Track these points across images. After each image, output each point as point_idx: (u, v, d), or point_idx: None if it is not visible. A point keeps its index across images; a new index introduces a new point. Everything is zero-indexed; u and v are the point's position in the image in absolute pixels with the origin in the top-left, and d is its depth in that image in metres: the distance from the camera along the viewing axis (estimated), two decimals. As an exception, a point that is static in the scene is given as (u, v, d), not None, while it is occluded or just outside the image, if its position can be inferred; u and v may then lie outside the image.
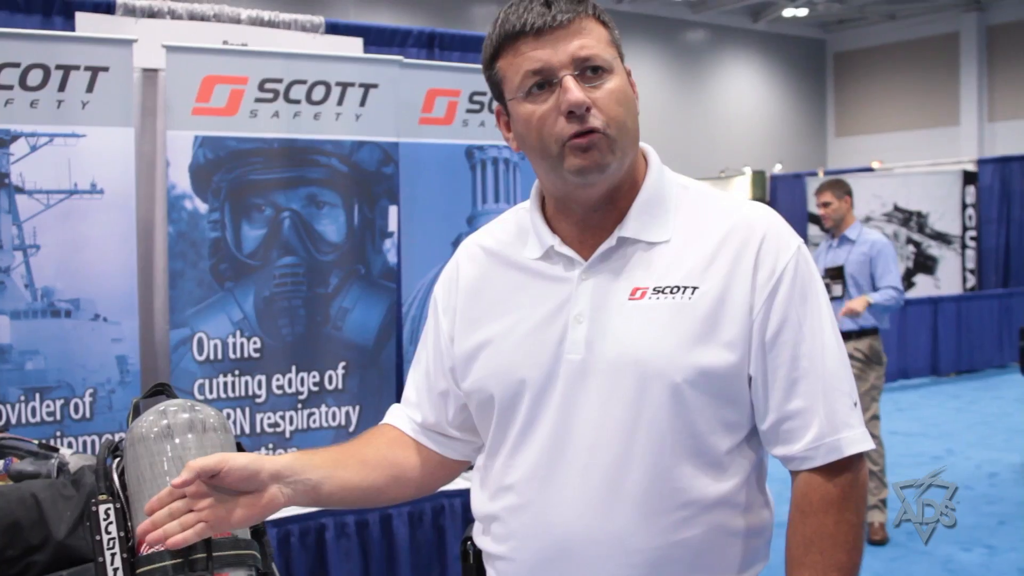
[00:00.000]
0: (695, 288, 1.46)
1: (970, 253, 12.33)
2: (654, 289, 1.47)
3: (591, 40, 1.45)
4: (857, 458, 1.47)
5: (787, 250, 1.48)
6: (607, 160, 1.45)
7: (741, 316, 1.45)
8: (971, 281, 12.35)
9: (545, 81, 1.44)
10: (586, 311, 1.49)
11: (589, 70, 1.44)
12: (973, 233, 12.33)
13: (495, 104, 1.57)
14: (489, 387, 1.55)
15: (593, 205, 1.51)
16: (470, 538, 1.69)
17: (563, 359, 1.49)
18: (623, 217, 1.52)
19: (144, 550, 1.67)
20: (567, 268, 1.53)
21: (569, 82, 1.43)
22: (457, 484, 2.64)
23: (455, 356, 1.62)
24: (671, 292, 1.46)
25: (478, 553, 1.65)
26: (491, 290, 1.60)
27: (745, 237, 1.48)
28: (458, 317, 1.63)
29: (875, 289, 5.59)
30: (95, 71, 3.45)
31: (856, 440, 1.47)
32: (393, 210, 4.06)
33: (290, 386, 3.87)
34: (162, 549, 1.58)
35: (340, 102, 3.90)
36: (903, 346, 10.92)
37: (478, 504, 1.62)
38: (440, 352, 1.66)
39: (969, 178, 12.38)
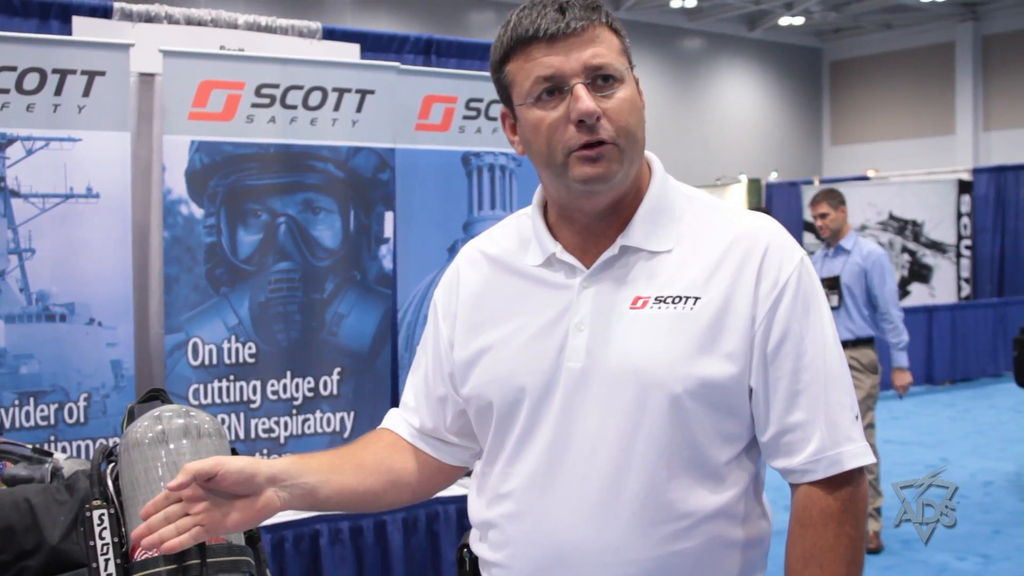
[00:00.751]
0: (697, 299, 1.45)
1: (965, 262, 12.35)
2: (656, 299, 1.46)
3: (603, 49, 1.44)
4: (857, 472, 1.47)
5: (790, 262, 1.48)
6: (614, 170, 1.44)
7: (743, 328, 1.44)
8: (966, 290, 12.37)
9: (555, 88, 1.43)
10: (587, 319, 1.48)
11: (600, 79, 1.43)
12: (968, 242, 12.36)
13: (500, 106, 1.56)
14: (488, 394, 1.55)
15: (597, 214, 1.51)
16: (467, 545, 1.68)
17: (563, 367, 1.48)
18: (626, 225, 1.51)
19: (138, 555, 1.66)
20: (568, 276, 1.52)
21: (580, 91, 1.42)
22: (452, 490, 2.63)
23: (454, 362, 1.61)
24: (673, 302, 1.45)
25: (474, 560, 1.64)
26: (492, 296, 1.59)
27: (748, 248, 1.47)
28: (458, 323, 1.62)
29: (871, 299, 5.61)
30: (92, 75, 3.44)
31: (857, 454, 1.46)
32: (389, 216, 4.06)
33: (285, 392, 3.86)
34: (156, 555, 1.58)
35: (337, 108, 3.91)
36: (898, 354, 10.91)
37: (475, 511, 1.62)
38: (439, 357, 1.65)
39: (964, 187, 12.42)
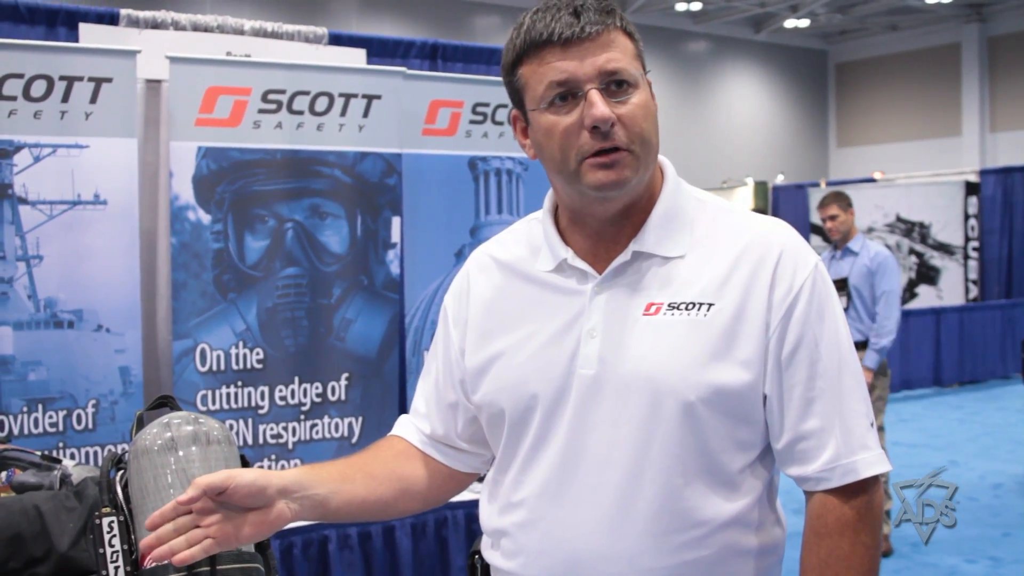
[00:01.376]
0: (711, 305, 1.43)
1: (972, 264, 12.32)
2: (669, 305, 1.45)
3: (618, 54, 1.43)
4: (873, 480, 1.45)
5: (804, 267, 1.46)
6: (628, 176, 1.43)
7: (757, 334, 1.43)
8: (973, 292, 12.34)
9: (569, 93, 1.42)
10: (599, 326, 1.47)
11: (614, 84, 1.42)
12: (975, 244, 12.32)
13: (508, 111, 1.55)
14: (500, 401, 1.53)
15: (609, 218, 1.49)
16: (478, 551, 1.67)
17: (575, 374, 1.47)
18: (638, 230, 1.49)
19: (148, 563, 1.66)
20: (580, 281, 1.51)
21: (595, 96, 1.40)
22: (461, 496, 2.62)
23: (465, 368, 1.60)
24: (686, 308, 1.44)
25: (486, 567, 1.63)
26: (503, 302, 1.58)
27: (762, 254, 1.46)
28: (469, 329, 1.61)
29: (875, 301, 5.59)
30: (98, 82, 3.45)
31: (872, 462, 1.45)
32: (396, 221, 4.05)
33: (293, 397, 3.86)
34: (166, 563, 1.57)
35: (343, 113, 3.90)
36: (906, 357, 10.90)
37: (487, 518, 1.61)
38: (450, 363, 1.64)
39: (971, 189, 12.38)
